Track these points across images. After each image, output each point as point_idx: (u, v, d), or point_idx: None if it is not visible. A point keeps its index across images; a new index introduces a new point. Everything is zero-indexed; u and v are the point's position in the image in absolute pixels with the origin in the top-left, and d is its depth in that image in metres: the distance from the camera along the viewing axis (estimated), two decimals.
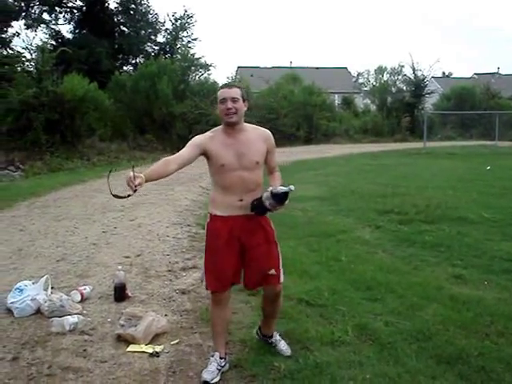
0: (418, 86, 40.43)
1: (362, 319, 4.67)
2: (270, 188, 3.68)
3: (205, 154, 3.70)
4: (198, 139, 3.72)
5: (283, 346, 4.16)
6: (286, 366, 3.86)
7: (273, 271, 3.89)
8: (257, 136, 3.83)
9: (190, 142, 3.71)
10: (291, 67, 49.05)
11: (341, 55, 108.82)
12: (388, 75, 43.46)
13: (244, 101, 3.75)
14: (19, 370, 3.98)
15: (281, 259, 3.99)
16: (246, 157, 3.72)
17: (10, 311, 5.04)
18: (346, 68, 56.21)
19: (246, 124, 3.84)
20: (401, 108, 39.43)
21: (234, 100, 3.67)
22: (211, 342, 4.39)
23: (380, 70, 44.38)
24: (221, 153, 3.67)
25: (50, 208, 10.09)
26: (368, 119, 38.65)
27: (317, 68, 52.42)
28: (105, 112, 22.14)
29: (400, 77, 42.55)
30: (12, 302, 5.02)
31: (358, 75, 51.80)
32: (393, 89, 42.02)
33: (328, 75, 48.21)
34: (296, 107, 32.05)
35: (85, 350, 4.27)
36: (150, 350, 4.24)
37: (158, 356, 4.12)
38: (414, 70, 40.88)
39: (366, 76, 48.79)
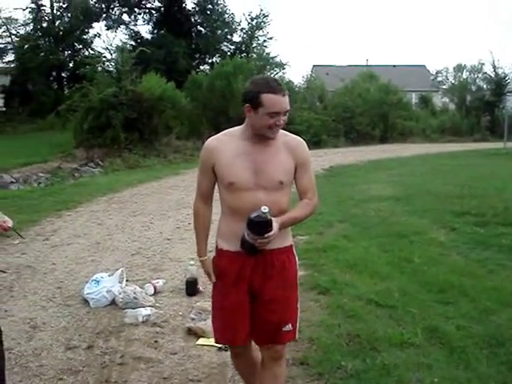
0: (498, 85, 39.08)
1: (432, 322, 4.57)
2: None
3: (213, 167, 2.85)
4: (204, 156, 2.89)
5: None
6: (353, 366, 3.82)
7: (289, 326, 2.95)
8: (283, 145, 2.84)
9: (200, 164, 2.92)
10: (367, 65, 48.40)
11: (419, 53, 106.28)
12: (467, 73, 42.29)
13: None
14: (93, 358, 4.13)
15: (299, 309, 3.08)
16: (264, 174, 2.77)
17: (86, 301, 5.23)
18: (424, 66, 54.87)
19: None
20: (480, 107, 38.24)
21: (285, 113, 2.73)
22: None
23: (459, 68, 43.23)
24: (231, 166, 2.77)
25: (127, 203, 10.40)
26: (446, 118, 37.65)
27: (394, 66, 51.50)
28: (181, 111, 22.53)
29: (480, 75, 41.30)
30: (88, 293, 5.21)
31: (436, 73, 50.53)
32: (472, 87, 40.81)
33: (405, 73, 47.35)
34: (372, 106, 31.64)
35: (156, 342, 4.39)
36: (219, 344, 4.30)
37: (226, 350, 4.17)
38: (494, 67, 39.57)
39: (444, 74, 47.59)
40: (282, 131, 2.86)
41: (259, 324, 2.94)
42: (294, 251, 3.03)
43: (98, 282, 5.26)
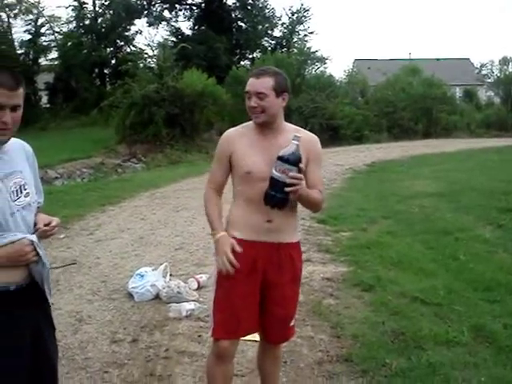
0: None
1: (479, 320, 4.48)
2: None
3: (230, 157, 2.92)
4: (221, 145, 2.96)
5: None
6: (398, 364, 3.78)
7: (293, 322, 3.07)
8: None
9: (217, 154, 2.99)
10: (410, 59, 47.72)
11: (463, 46, 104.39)
12: None
13: (281, 94, 2.80)
14: (138, 352, 4.17)
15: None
16: None
17: (130, 295, 5.29)
18: (468, 59, 53.86)
19: (286, 124, 2.94)
20: None
21: (259, 96, 2.76)
22: (323, 335, 4.41)
23: (505, 61, 42.35)
24: (248, 156, 2.84)
25: (170, 199, 10.49)
26: (491, 112, 36.88)
27: (437, 59, 50.63)
28: (222, 106, 22.62)
29: None
30: (133, 287, 5.27)
31: (481, 66, 49.65)
32: None
33: (449, 67, 46.54)
34: (414, 100, 31.18)
35: (200, 336, 4.41)
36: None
37: None
38: None
39: (489, 67, 46.74)
40: (295, 127, 2.96)
41: (270, 319, 2.96)
42: (301, 248, 3.09)
43: (143, 276, 5.31)
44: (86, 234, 7.86)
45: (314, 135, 3.00)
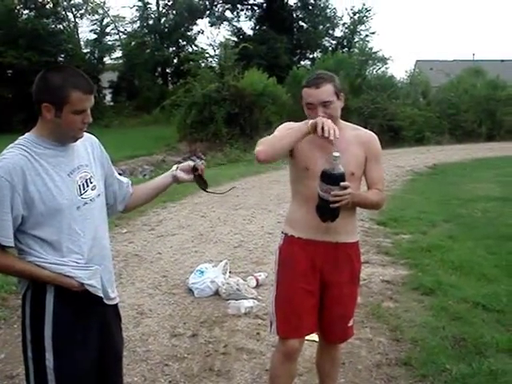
0: None
1: None
2: None
3: (292, 149, 2.85)
4: (290, 124, 2.92)
5: None
6: (458, 370, 3.72)
7: (351, 322, 3.07)
8: (354, 139, 2.89)
9: (282, 127, 2.96)
10: (474, 60, 46.59)
11: None
12: None
13: (339, 95, 2.81)
14: (197, 347, 4.25)
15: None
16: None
17: (190, 291, 5.39)
18: None
19: (343, 122, 2.92)
20: None
21: (325, 105, 2.75)
22: (382, 338, 4.38)
23: None
24: (307, 153, 2.82)
25: (229, 197, 10.54)
26: None
27: (502, 61, 49.20)
28: (282, 106, 22.62)
29: None
30: (193, 283, 5.36)
31: None
32: None
33: None
34: (478, 102, 30.33)
35: (258, 334, 4.45)
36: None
37: None
38: None
39: None
40: (351, 124, 2.99)
41: (329, 318, 2.98)
42: (360, 248, 3.08)
43: (203, 272, 5.40)
44: (148, 230, 8.03)
45: (371, 133, 2.99)
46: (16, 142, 2.22)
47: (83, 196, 2.27)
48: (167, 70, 39.27)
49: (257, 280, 5.51)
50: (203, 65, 24.54)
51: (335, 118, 2.78)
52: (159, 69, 38.70)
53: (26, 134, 2.25)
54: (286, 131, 2.84)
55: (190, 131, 20.55)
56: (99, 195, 2.38)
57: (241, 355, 4.11)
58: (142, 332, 4.49)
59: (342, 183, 2.59)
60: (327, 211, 2.70)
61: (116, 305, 2.51)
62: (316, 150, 2.82)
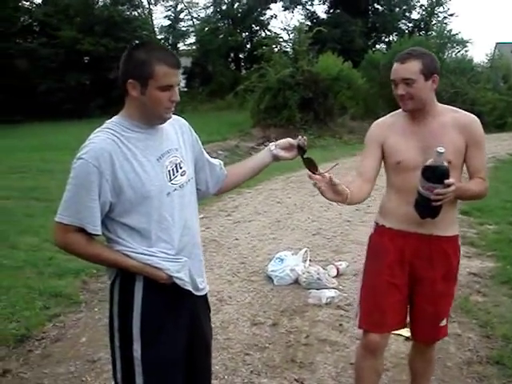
0: None
1: None
2: None
3: (382, 146, 2.76)
4: (373, 134, 2.80)
5: None
6: None
7: (444, 321, 2.84)
8: (452, 123, 2.63)
9: (367, 142, 2.82)
10: None
11: None
12: None
13: (430, 76, 2.56)
14: (278, 336, 4.16)
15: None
16: (433, 151, 2.47)
17: (269, 278, 5.30)
18: None
19: (440, 105, 2.70)
20: None
21: (406, 82, 2.55)
22: (471, 334, 4.17)
23: None
24: (399, 146, 2.68)
25: (305, 183, 10.36)
26: None
27: None
28: (357, 91, 22.24)
29: None
30: (272, 270, 5.27)
31: None
32: None
33: None
34: None
35: (341, 325, 4.32)
36: (407, 334, 4.12)
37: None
38: None
39: None
40: (450, 107, 2.75)
41: (418, 315, 2.82)
42: (459, 243, 2.83)
43: (282, 260, 5.29)
44: (225, 216, 8.00)
45: (473, 116, 2.71)
46: (103, 125, 2.13)
47: (173, 182, 2.16)
48: (240, 56, 39.42)
49: (337, 269, 5.36)
50: (276, 50, 24.34)
51: (418, 100, 2.58)
52: (232, 54, 38.87)
53: (114, 118, 2.16)
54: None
55: (264, 116, 20.43)
56: (189, 181, 2.27)
57: (323, 347, 3.99)
58: (222, 319, 4.44)
59: (446, 181, 2.37)
60: (427, 209, 2.50)
61: (205, 295, 2.42)
62: (407, 141, 2.67)
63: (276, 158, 2.52)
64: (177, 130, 2.31)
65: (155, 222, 2.11)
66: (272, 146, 2.52)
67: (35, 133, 21.33)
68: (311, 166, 2.40)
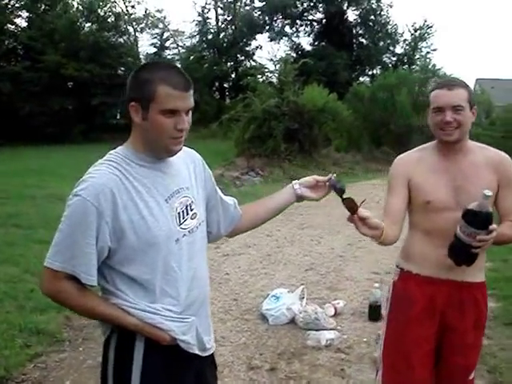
0: None
1: None
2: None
3: (408, 183, 2.56)
4: (399, 169, 2.59)
5: None
6: None
7: (472, 375, 2.60)
8: (484, 161, 2.49)
9: (392, 179, 2.60)
10: None
11: None
12: None
13: (472, 107, 2.44)
14: (277, 382, 3.90)
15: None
16: (465, 191, 2.41)
17: (263, 317, 5.04)
18: None
19: (470, 142, 2.54)
20: None
21: (456, 109, 2.38)
22: (481, 381, 3.93)
23: None
24: (428, 184, 2.49)
25: (293, 215, 10.21)
26: None
27: None
28: (341, 123, 22.21)
29: None
30: (267, 309, 5.01)
31: None
32: None
33: None
34: None
35: (342, 370, 4.08)
36: None
37: None
38: None
39: None
40: (478, 144, 2.58)
41: (446, 369, 2.56)
42: (486, 289, 2.64)
43: (278, 298, 5.04)
44: (213, 248, 7.73)
45: (504, 154, 2.55)
46: (106, 156, 1.86)
47: (182, 226, 1.89)
48: (225, 85, 39.51)
49: (335, 308, 5.12)
50: (261, 80, 24.37)
51: (464, 130, 2.42)
52: (217, 83, 38.93)
53: (118, 148, 1.89)
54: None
55: (248, 146, 20.31)
56: (200, 224, 1.99)
57: None
58: (218, 362, 4.14)
59: (490, 227, 2.16)
60: (465, 255, 2.30)
61: (212, 353, 2.12)
62: (437, 179, 2.48)
63: (300, 198, 2.27)
64: (188, 165, 2.05)
65: (160, 273, 1.83)
66: (296, 184, 2.26)
67: (16, 157, 20.95)
68: (351, 206, 2.14)
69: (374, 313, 5.02)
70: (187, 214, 1.92)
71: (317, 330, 4.63)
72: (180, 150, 1.90)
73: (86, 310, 1.85)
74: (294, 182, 2.28)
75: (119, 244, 1.78)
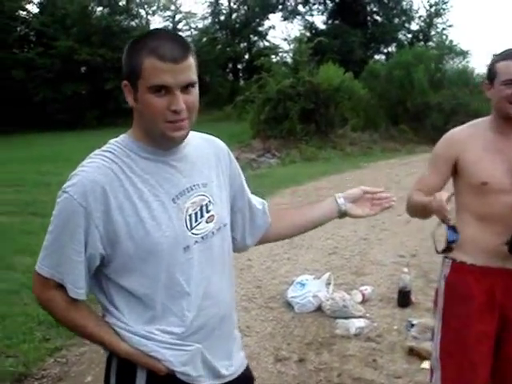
0: None
1: None
2: None
3: (455, 164, 2.36)
4: (446, 145, 2.40)
5: None
6: None
7: None
8: None
9: (436, 155, 2.44)
10: None
11: None
12: None
13: None
14: (307, 375, 3.73)
15: None
16: None
17: (289, 305, 4.87)
18: None
19: None
20: None
21: None
22: None
23: None
24: (483, 162, 2.28)
25: (312, 197, 9.98)
26: None
27: None
28: (358, 102, 21.87)
29: None
30: (293, 296, 4.83)
31: None
32: None
33: None
34: None
35: (374, 361, 3.88)
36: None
37: None
38: None
39: None
40: None
41: (507, 367, 2.34)
42: None
43: (304, 285, 4.85)
44: None
45: None
46: (104, 146, 1.56)
47: (194, 231, 1.56)
48: (238, 66, 39.20)
49: (363, 295, 4.92)
50: (275, 60, 24.07)
51: None
52: (230, 65, 38.66)
53: (120, 136, 1.59)
54: (415, 202, 2.40)
55: (264, 128, 20.06)
56: (219, 229, 1.64)
57: None
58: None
59: None
60: None
61: (243, 372, 1.76)
62: (495, 158, 2.27)
63: (344, 215, 1.89)
64: (209, 157, 1.70)
65: (163, 286, 1.52)
66: (340, 198, 1.87)
67: (30, 143, 20.91)
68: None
69: (403, 299, 4.82)
70: (202, 217, 1.59)
71: (345, 318, 4.45)
72: (183, 136, 1.53)
73: (75, 327, 1.58)
74: (337, 195, 1.89)
75: (114, 250, 1.49)
